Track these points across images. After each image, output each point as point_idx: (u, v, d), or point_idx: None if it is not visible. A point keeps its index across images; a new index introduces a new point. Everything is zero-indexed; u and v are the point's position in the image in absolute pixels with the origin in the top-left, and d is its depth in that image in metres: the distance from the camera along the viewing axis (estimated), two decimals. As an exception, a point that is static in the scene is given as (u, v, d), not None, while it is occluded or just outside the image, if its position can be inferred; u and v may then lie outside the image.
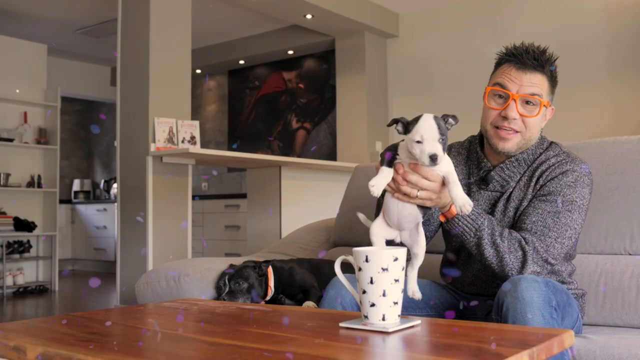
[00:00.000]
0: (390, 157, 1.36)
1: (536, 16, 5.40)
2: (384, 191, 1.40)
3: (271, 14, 5.79)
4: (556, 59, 1.59)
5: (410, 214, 1.39)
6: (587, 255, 1.87)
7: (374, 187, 1.32)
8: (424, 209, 1.41)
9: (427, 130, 1.26)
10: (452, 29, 5.83)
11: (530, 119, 1.55)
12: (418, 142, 1.27)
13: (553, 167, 1.56)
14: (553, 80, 1.59)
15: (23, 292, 5.84)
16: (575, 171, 1.54)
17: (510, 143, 1.56)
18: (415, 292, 1.38)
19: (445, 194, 1.38)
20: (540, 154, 1.61)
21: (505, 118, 1.55)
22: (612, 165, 1.88)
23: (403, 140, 1.36)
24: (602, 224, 1.85)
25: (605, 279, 1.79)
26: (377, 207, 1.52)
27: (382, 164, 1.37)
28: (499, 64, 1.61)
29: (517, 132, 1.56)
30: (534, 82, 1.54)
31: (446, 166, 1.34)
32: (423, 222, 1.44)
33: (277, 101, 7.26)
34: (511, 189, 1.60)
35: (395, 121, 1.33)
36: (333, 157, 6.48)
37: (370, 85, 6.11)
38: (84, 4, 6.03)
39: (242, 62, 7.40)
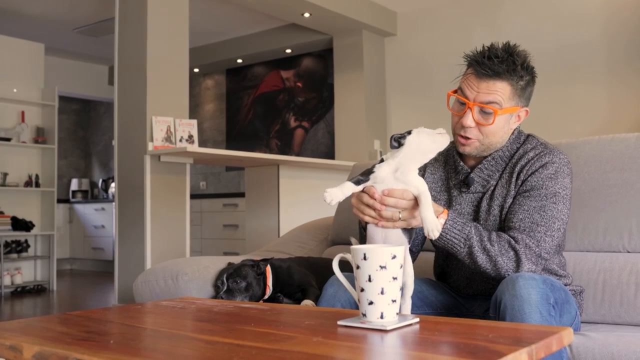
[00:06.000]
0: (360, 180, 1.35)
1: (534, 14, 5.39)
2: (366, 223, 1.40)
3: (269, 12, 5.78)
4: (527, 60, 1.53)
5: (396, 240, 1.39)
6: (586, 253, 1.87)
7: (327, 194, 1.30)
8: (408, 232, 1.41)
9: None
10: (450, 27, 5.83)
11: (486, 127, 1.53)
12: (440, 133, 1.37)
13: (532, 160, 1.56)
14: (521, 84, 1.53)
15: (21, 292, 5.84)
16: (554, 162, 1.54)
17: (470, 148, 1.58)
18: None
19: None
20: (518, 148, 1.61)
21: (462, 126, 1.55)
22: (611, 163, 1.88)
23: (381, 161, 1.36)
24: (601, 222, 1.85)
25: (603, 277, 1.78)
26: (361, 239, 1.51)
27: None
28: (468, 66, 1.58)
29: (474, 139, 1.55)
30: (492, 90, 1.50)
31: (421, 186, 1.35)
32: None
33: (275, 100, 7.25)
34: (492, 187, 1.60)
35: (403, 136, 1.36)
36: (331, 155, 6.47)
37: (368, 84, 6.10)
38: (81, 3, 6.02)
39: (239, 60, 7.39)
